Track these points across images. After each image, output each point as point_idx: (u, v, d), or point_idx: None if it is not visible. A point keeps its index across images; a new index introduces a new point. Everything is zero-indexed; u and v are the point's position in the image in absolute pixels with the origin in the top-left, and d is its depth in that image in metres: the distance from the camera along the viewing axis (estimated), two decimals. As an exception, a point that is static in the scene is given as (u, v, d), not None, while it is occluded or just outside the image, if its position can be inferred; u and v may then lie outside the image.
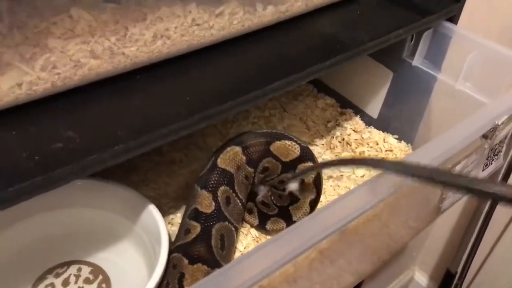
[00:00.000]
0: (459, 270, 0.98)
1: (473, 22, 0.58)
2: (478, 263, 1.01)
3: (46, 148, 0.30)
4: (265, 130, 0.47)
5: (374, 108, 0.62)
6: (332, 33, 0.46)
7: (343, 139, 0.60)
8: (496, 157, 0.52)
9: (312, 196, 0.45)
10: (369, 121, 0.63)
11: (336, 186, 0.54)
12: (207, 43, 0.40)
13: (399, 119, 0.61)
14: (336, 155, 0.59)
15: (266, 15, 0.43)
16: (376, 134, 0.61)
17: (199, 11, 0.38)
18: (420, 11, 0.51)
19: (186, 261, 0.37)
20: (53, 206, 0.43)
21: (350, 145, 0.59)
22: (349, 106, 0.65)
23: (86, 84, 0.35)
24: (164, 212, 0.49)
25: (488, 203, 0.88)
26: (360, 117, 0.64)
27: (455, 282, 1.00)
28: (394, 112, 0.61)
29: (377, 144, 0.59)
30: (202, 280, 0.28)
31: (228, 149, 0.44)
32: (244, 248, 0.46)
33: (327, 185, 0.54)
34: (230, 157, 0.43)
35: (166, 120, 0.34)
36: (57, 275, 0.41)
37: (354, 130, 0.61)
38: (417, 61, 0.56)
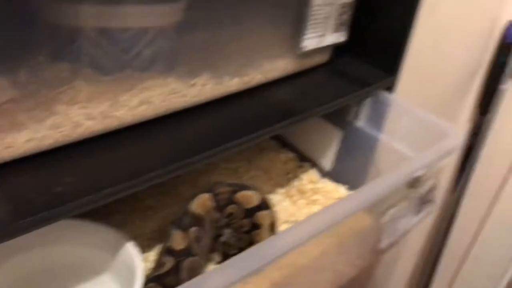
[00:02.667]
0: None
1: (408, 92, 0.69)
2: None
3: (50, 190, 0.38)
4: (231, 182, 0.55)
5: (327, 162, 0.72)
6: (286, 100, 0.56)
7: (300, 188, 0.69)
8: (426, 204, 0.62)
9: (268, 240, 0.53)
10: (323, 173, 0.73)
11: (291, 229, 0.62)
12: (182, 107, 0.49)
13: (349, 171, 0.71)
14: (294, 202, 0.68)
15: (232, 85, 0.53)
16: (329, 184, 0.70)
17: (177, 82, 0.47)
18: (361, 83, 0.62)
19: (160, 289, 0.44)
20: (45, 243, 0.50)
21: (306, 194, 0.68)
22: (306, 160, 0.75)
23: (82, 140, 0.43)
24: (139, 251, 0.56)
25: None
26: (316, 169, 0.73)
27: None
28: (344, 165, 0.71)
29: (329, 193, 0.68)
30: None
31: (200, 195, 0.52)
32: (210, 281, 0.53)
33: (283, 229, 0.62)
34: (201, 203, 0.52)
35: (145, 169, 0.42)
36: (46, 303, 0.47)
37: (310, 181, 0.70)
38: (360, 122, 0.66)
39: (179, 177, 0.70)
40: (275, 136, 0.79)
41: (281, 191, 0.70)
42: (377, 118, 0.66)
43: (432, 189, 0.61)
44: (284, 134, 0.78)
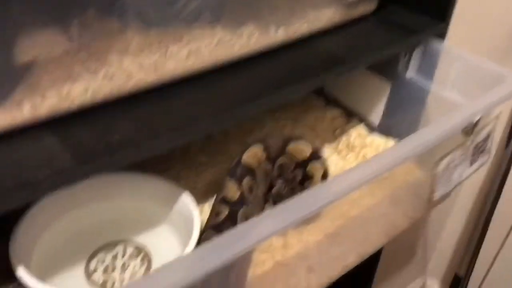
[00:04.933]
0: (465, 273, 1.03)
1: (460, 40, 0.66)
2: (486, 266, 1.07)
3: (108, 139, 0.39)
4: (283, 134, 0.55)
5: (376, 116, 0.71)
6: (333, 50, 0.55)
7: (349, 144, 0.68)
8: (481, 154, 0.60)
9: (321, 190, 0.53)
10: (372, 128, 0.71)
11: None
12: (229, 60, 0.49)
13: (399, 124, 0.69)
14: (343, 157, 0.67)
15: (278, 36, 0.52)
16: (378, 139, 0.69)
17: (223, 32, 0.47)
18: (410, 31, 0.60)
19: (216, 236, 0.45)
20: (103, 197, 0.52)
21: (354, 148, 0.67)
22: (354, 116, 0.74)
23: (135, 92, 0.44)
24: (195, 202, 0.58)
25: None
26: (364, 124, 0.72)
27: (463, 285, 1.05)
28: (394, 118, 0.69)
29: (379, 147, 0.67)
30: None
31: (252, 147, 0.53)
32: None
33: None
34: (253, 154, 0.52)
35: (198, 119, 0.42)
36: (107, 252, 0.50)
37: (358, 136, 0.69)
38: (410, 73, 0.64)
39: (228, 135, 0.71)
40: (321, 93, 0.78)
41: (329, 147, 0.69)
42: (428, 68, 0.64)
43: (487, 138, 0.59)
44: (331, 90, 0.76)
